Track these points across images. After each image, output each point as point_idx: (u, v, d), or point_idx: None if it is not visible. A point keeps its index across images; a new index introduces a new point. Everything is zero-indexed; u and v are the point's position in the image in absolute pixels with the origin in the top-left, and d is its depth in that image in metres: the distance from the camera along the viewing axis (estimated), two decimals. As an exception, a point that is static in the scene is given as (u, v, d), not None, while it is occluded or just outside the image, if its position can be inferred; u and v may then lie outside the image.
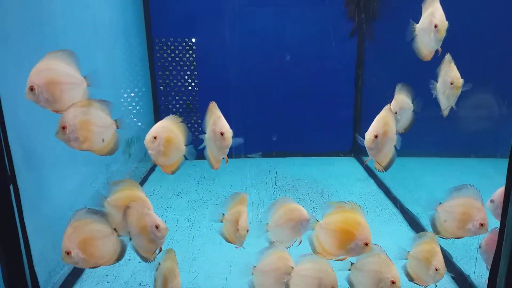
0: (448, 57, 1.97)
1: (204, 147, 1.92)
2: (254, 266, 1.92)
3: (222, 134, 1.82)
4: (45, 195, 2.40)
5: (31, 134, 2.25)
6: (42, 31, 2.40)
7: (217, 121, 1.84)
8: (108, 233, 1.81)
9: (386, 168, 1.95)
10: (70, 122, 1.67)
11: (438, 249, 2.02)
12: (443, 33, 1.96)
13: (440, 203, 2.07)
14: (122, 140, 3.80)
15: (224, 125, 1.84)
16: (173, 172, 1.92)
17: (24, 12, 2.21)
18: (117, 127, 1.84)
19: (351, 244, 1.80)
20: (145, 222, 1.74)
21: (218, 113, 1.87)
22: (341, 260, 1.92)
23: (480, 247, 2.29)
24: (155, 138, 1.78)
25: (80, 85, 1.75)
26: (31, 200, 2.14)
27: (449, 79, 1.93)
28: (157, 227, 1.75)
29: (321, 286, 1.83)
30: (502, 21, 4.20)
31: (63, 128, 1.67)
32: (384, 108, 1.92)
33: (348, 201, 1.82)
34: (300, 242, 1.97)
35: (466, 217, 2.03)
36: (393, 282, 1.84)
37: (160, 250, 1.87)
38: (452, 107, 2.09)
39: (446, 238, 2.11)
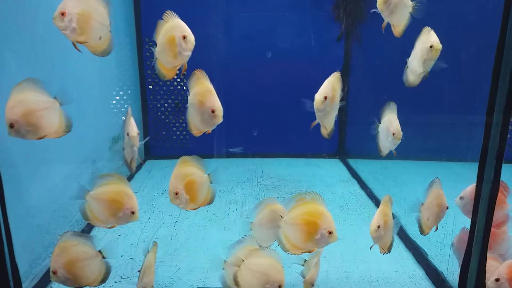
0: (427, 27, 2.05)
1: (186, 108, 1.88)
2: (225, 261, 1.94)
3: (213, 111, 1.79)
4: (29, 188, 2.42)
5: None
6: (29, 31, 2.43)
7: (207, 95, 1.79)
8: (93, 255, 1.85)
9: (330, 135, 2.06)
10: (70, 10, 1.61)
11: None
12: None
13: (422, 204, 2.16)
14: (109, 137, 3.83)
15: (216, 102, 1.80)
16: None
17: (10, 13, 2.24)
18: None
19: (317, 235, 1.80)
20: (173, 32, 1.76)
21: (209, 86, 1.82)
22: (310, 251, 1.93)
23: (452, 245, 2.37)
24: (176, 194, 1.83)
25: (54, 107, 1.75)
26: (14, 192, 2.17)
27: (429, 43, 2.00)
28: (184, 37, 1.76)
29: (269, 282, 1.84)
30: (475, 27, 4.32)
31: (62, 14, 1.60)
32: (333, 74, 2.00)
33: (308, 191, 1.83)
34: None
35: (440, 208, 2.18)
36: (279, 286, 1.85)
37: (184, 69, 1.86)
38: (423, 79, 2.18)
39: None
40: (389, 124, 2.15)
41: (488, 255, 2.00)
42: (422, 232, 2.22)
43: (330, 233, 1.81)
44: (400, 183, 4.09)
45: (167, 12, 1.79)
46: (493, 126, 1.85)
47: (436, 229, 2.25)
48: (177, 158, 5.10)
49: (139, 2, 4.66)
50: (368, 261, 2.74)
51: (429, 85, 4.48)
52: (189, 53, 1.78)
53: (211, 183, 1.91)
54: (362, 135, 5.05)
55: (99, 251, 1.87)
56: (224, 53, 4.75)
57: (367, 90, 4.87)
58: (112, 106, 4.00)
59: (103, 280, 1.90)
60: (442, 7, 4.24)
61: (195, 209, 1.91)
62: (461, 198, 2.25)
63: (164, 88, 4.90)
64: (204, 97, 1.80)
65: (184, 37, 1.75)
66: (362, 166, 4.56)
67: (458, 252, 2.37)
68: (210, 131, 1.90)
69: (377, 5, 1.95)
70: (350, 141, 4.96)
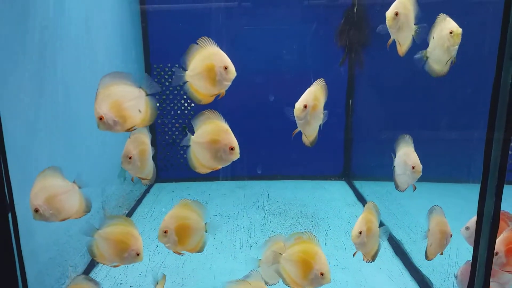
0: (442, 14, 2.05)
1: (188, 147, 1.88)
2: None
3: (232, 149, 1.81)
4: (40, 222, 2.49)
5: (29, 160, 2.36)
6: (42, 68, 2.53)
7: (221, 134, 1.82)
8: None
9: (312, 144, 2.05)
10: (103, 110, 1.72)
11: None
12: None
13: (429, 230, 2.19)
14: (117, 164, 3.91)
15: (234, 139, 1.83)
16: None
17: (21, 35, 2.34)
18: (147, 94, 1.84)
19: (311, 274, 1.84)
20: (213, 61, 1.77)
21: (225, 125, 1.84)
22: None
23: (456, 277, 2.38)
24: (165, 232, 1.88)
25: (73, 190, 1.89)
26: (27, 227, 2.24)
27: (448, 29, 1.94)
28: (226, 68, 1.78)
29: None
30: (478, 44, 4.37)
31: (101, 119, 1.73)
32: (316, 83, 1.98)
33: (305, 231, 1.88)
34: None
35: (443, 234, 2.18)
36: None
37: (222, 95, 1.87)
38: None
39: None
40: (407, 158, 2.12)
41: (491, 286, 2.01)
42: (426, 257, 2.24)
43: (322, 274, 1.84)
44: (404, 207, 4.10)
45: (203, 37, 1.80)
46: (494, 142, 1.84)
47: (441, 253, 2.25)
48: (185, 181, 5.14)
49: (147, 28, 4.80)
50: (373, 290, 2.77)
51: (434, 104, 4.53)
52: (229, 83, 1.83)
53: (206, 231, 1.94)
54: (368, 156, 5.10)
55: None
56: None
57: (372, 110, 4.92)
58: (123, 136, 4.08)
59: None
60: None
61: (180, 253, 1.94)
62: (467, 228, 2.26)
63: (172, 112, 5.00)
64: (218, 136, 1.83)
65: (226, 68, 1.79)
66: (368, 188, 4.58)
67: (462, 284, 2.38)
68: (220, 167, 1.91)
69: (386, 21, 1.94)
70: (355, 163, 5.00)
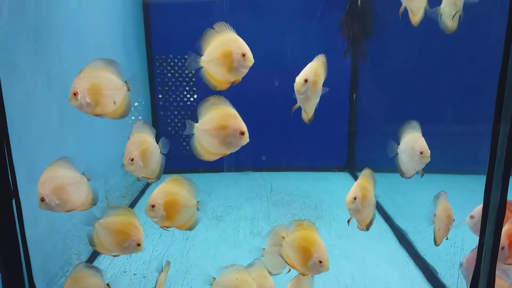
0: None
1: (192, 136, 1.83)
2: (214, 278, 1.97)
3: (242, 133, 1.77)
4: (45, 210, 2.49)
5: (33, 148, 2.36)
6: (44, 55, 2.52)
7: (230, 119, 1.79)
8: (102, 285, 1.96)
9: (310, 120, 1.99)
10: (81, 88, 1.71)
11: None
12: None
13: (435, 215, 2.18)
14: (121, 155, 3.90)
15: (243, 124, 1.80)
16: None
17: (23, 35, 2.33)
18: (128, 89, 1.84)
19: (310, 261, 1.84)
20: (231, 47, 1.74)
21: (232, 110, 1.79)
22: (304, 275, 1.98)
23: (461, 265, 2.37)
24: (153, 206, 1.83)
25: (82, 182, 1.89)
26: (31, 213, 2.24)
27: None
28: (244, 55, 1.75)
29: None
30: (484, 38, 4.34)
31: (75, 94, 1.71)
32: (317, 58, 1.94)
33: (305, 219, 1.89)
34: (289, 270, 2.03)
35: (449, 219, 2.20)
36: None
37: (238, 82, 1.84)
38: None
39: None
40: (414, 143, 2.10)
41: (496, 274, 2.01)
42: (435, 243, 2.23)
43: (321, 262, 1.84)
44: (409, 198, 4.09)
45: (220, 22, 1.76)
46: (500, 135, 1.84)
47: (447, 238, 2.26)
48: (188, 172, 5.15)
49: (149, 20, 4.77)
50: (378, 279, 2.76)
51: (438, 95, 4.51)
52: (246, 71, 1.79)
53: (197, 210, 1.90)
54: (371, 148, 5.07)
55: (107, 284, 1.98)
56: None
57: (376, 101, 4.89)
58: (124, 122, 4.08)
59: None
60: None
61: (167, 227, 1.88)
62: (471, 217, 2.26)
63: (175, 104, 4.99)
64: (227, 121, 1.79)
65: (244, 55, 1.76)
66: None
67: (467, 272, 2.37)
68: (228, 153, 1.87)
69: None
70: (359, 154, 4.98)
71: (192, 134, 1.83)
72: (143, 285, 2.67)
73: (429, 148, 2.19)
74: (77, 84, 1.70)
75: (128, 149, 1.93)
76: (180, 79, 4.91)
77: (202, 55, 1.77)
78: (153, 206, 1.82)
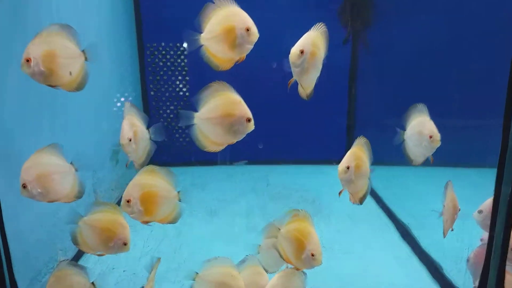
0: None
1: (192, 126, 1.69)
2: (197, 273, 1.87)
3: (249, 120, 1.66)
4: (27, 203, 2.32)
5: (14, 137, 2.19)
6: (28, 37, 2.35)
7: (235, 106, 1.66)
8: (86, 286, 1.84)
9: (309, 97, 1.84)
10: (34, 54, 1.55)
11: None
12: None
13: (444, 205, 2.06)
14: (109, 147, 3.74)
15: (248, 110, 1.69)
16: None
17: (10, 17, 2.16)
18: (86, 59, 1.70)
19: (303, 254, 1.75)
20: (233, 22, 1.61)
21: (237, 97, 1.67)
22: (298, 270, 1.86)
23: (468, 260, 2.26)
24: (128, 201, 1.70)
25: (69, 172, 1.75)
26: (12, 206, 2.08)
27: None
28: (248, 29, 1.62)
29: None
30: (491, 31, 4.23)
31: (27, 60, 1.55)
32: (315, 27, 1.78)
33: (301, 209, 1.79)
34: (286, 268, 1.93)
35: (455, 209, 2.09)
36: None
37: (241, 60, 1.71)
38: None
39: None
40: (422, 127, 1.94)
41: (506, 269, 1.89)
42: (443, 234, 2.11)
43: (313, 255, 1.74)
44: (411, 192, 3.98)
45: None
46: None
47: (452, 229, 2.14)
48: (181, 166, 4.96)
49: (139, 7, 4.58)
50: (380, 275, 2.63)
51: (441, 86, 4.38)
52: (251, 47, 1.65)
53: (179, 201, 1.77)
54: (371, 140, 4.90)
55: (92, 283, 1.87)
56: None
57: (375, 93, 4.76)
58: (113, 113, 3.90)
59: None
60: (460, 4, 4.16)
61: (147, 222, 1.76)
62: (480, 212, 2.15)
63: (167, 94, 4.81)
64: (232, 108, 1.67)
65: (248, 30, 1.61)
66: (371, 173, 4.43)
67: (474, 268, 2.26)
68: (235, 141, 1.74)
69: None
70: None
71: (191, 125, 1.68)
72: (132, 282, 2.52)
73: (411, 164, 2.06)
74: (30, 50, 1.55)
75: (125, 129, 1.80)
76: (173, 68, 4.74)
77: (201, 33, 1.63)
78: (128, 201, 1.69)
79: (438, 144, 1.93)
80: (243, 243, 3.03)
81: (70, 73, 1.64)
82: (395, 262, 2.80)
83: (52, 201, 1.74)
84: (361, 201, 1.92)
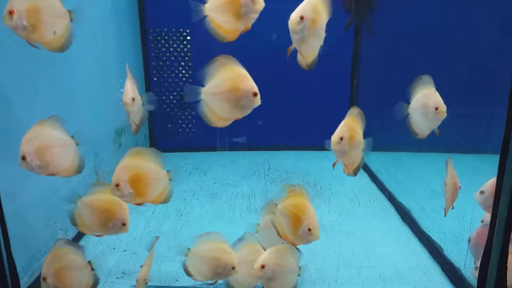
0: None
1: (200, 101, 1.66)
2: (189, 249, 1.89)
3: (255, 94, 1.63)
4: (26, 180, 2.34)
5: (14, 117, 2.19)
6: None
7: (241, 80, 1.64)
8: (82, 265, 1.86)
9: (309, 67, 1.78)
10: (18, 7, 1.50)
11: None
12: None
13: (446, 184, 2.07)
14: (112, 129, 3.75)
15: (255, 84, 1.66)
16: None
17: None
18: (71, 20, 1.66)
19: (300, 229, 1.76)
20: None
21: (243, 70, 1.65)
22: (295, 245, 1.88)
23: (469, 240, 2.25)
24: (117, 185, 1.68)
25: (69, 145, 1.74)
26: (11, 185, 2.09)
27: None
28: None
29: (220, 266, 1.83)
30: (496, 20, 4.17)
31: (10, 13, 1.50)
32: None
33: (297, 184, 1.80)
34: None
35: (456, 187, 2.08)
36: (233, 268, 1.85)
37: (246, 29, 1.68)
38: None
39: None
40: (427, 99, 1.90)
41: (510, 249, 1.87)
42: (444, 213, 2.11)
43: (310, 230, 1.75)
44: (413, 175, 3.95)
45: None
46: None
47: (453, 207, 2.13)
48: (183, 151, 4.95)
49: (143, -8, 4.55)
50: (380, 256, 2.62)
51: (445, 74, 4.33)
52: (256, 16, 1.62)
53: (170, 180, 1.76)
54: (372, 125, 4.87)
55: (89, 262, 1.88)
56: (233, 44, 4.62)
57: (378, 79, 4.71)
58: (116, 98, 3.90)
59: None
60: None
61: (140, 204, 1.75)
62: (481, 192, 2.13)
63: (169, 80, 4.80)
64: (238, 82, 1.65)
65: None
66: (372, 157, 4.41)
67: (475, 248, 2.25)
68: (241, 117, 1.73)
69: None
70: (360, 133, 4.80)
71: (199, 101, 1.67)
72: (132, 261, 2.54)
73: (441, 125, 2.02)
74: (14, 2, 1.50)
75: (128, 89, 1.84)
76: (175, 53, 4.71)
77: (205, 3, 1.61)
78: (117, 185, 1.67)
79: (444, 116, 1.89)
80: (244, 223, 3.05)
81: (54, 33, 1.60)
82: (395, 243, 2.80)
83: (51, 175, 1.73)
84: (355, 172, 1.91)
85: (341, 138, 1.76)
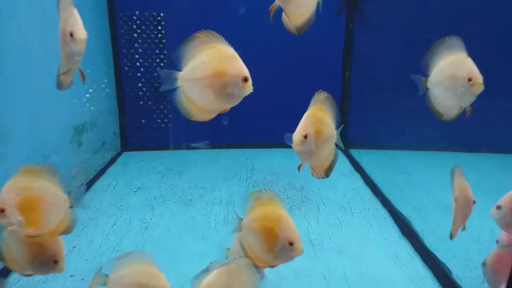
0: None
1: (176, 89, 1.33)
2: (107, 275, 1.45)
3: (246, 80, 1.31)
4: None
5: None
6: None
7: (229, 62, 1.31)
8: None
9: (300, 31, 1.47)
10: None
11: None
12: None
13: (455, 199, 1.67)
14: (69, 126, 3.27)
15: (245, 67, 1.33)
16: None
17: None
18: (71, 206, 1.40)
19: (277, 246, 1.38)
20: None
21: (230, 49, 1.33)
22: (273, 267, 1.47)
23: (484, 264, 1.86)
24: (3, 211, 1.32)
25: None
26: None
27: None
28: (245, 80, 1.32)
29: None
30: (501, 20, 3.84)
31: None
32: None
33: (264, 189, 1.42)
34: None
35: (467, 202, 1.69)
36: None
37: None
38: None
39: None
40: (456, 69, 1.43)
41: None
42: (450, 235, 1.72)
43: (291, 244, 1.38)
44: (413, 179, 3.56)
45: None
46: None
47: (463, 228, 1.73)
48: (158, 149, 4.47)
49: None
50: (377, 280, 2.22)
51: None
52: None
53: (71, 207, 1.40)
54: (366, 122, 4.50)
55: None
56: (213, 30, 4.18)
57: (371, 73, 4.32)
58: (76, 90, 3.42)
59: None
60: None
61: (34, 237, 1.38)
62: (498, 207, 1.73)
63: (142, 69, 4.32)
64: (225, 65, 1.30)
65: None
66: (366, 157, 4.01)
67: (492, 274, 1.87)
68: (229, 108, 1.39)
69: None
70: (352, 130, 4.39)
71: (175, 89, 1.33)
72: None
73: (440, 120, 1.61)
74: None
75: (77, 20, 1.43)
76: (149, 40, 4.24)
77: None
78: (2, 210, 1.30)
79: (481, 88, 1.42)
80: (218, 238, 2.63)
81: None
82: (394, 263, 2.39)
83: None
84: (327, 173, 1.53)
85: (305, 136, 1.40)
